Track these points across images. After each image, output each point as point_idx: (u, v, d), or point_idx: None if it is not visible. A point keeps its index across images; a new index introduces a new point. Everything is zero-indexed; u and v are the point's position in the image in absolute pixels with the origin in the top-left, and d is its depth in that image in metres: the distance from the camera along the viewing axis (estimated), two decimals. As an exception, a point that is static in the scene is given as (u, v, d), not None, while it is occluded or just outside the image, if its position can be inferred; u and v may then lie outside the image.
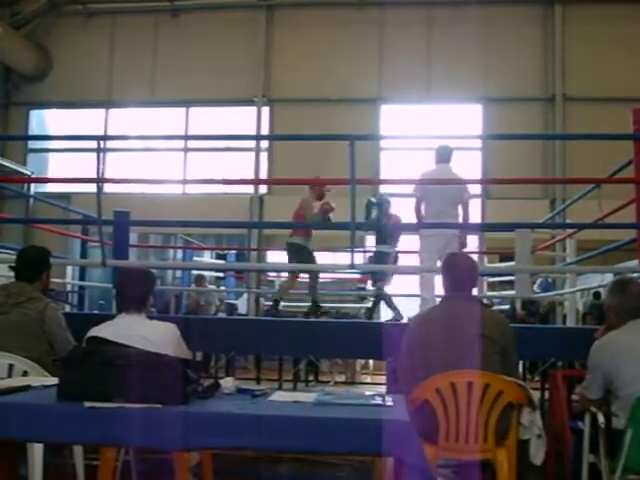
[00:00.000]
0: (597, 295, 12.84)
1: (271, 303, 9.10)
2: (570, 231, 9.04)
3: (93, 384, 2.70)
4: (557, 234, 9.74)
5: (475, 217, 14.57)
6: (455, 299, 4.08)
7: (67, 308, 11.27)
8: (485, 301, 12.21)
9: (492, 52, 15.42)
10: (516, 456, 3.71)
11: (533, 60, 15.86)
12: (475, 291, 4.32)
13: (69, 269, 12.87)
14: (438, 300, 5.47)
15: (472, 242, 13.82)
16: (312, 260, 8.49)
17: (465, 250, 7.58)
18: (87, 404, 2.63)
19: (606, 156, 7.61)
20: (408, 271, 8.77)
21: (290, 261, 8.58)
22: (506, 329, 4.04)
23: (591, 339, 4.00)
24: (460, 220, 7.36)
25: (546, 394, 6.10)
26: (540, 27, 15.95)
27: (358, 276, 14.28)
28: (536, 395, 4.86)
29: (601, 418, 3.71)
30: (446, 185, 7.32)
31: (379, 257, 9.03)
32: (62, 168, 17.11)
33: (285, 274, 13.79)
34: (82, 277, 11.19)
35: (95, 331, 3.70)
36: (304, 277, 9.08)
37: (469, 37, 15.28)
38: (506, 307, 12.81)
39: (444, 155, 7.72)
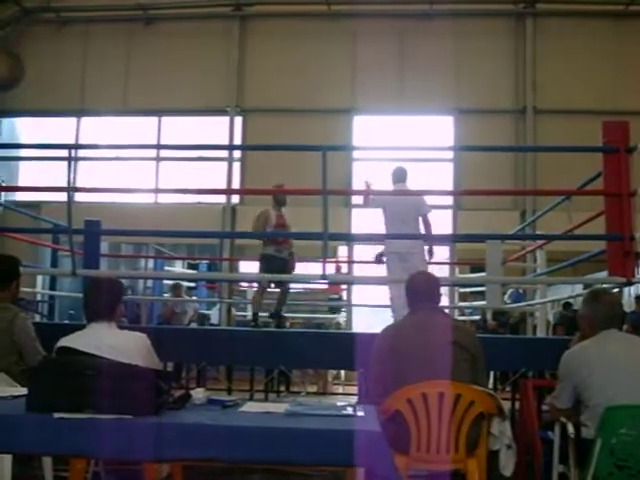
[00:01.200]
0: (566, 306, 12.95)
1: (251, 318, 9.02)
2: (540, 242, 9.12)
3: (63, 395, 2.68)
4: (527, 245, 9.82)
5: (445, 228, 14.69)
6: (422, 311, 4.13)
7: (37, 318, 11.18)
8: (456, 311, 12.28)
9: (464, 64, 15.53)
10: (486, 466, 3.73)
11: (504, 72, 15.98)
12: (440, 304, 4.39)
13: (39, 278, 12.77)
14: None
15: (442, 253, 13.96)
16: (285, 270, 8.45)
17: (433, 260, 7.76)
18: (57, 415, 2.61)
19: (576, 168, 7.68)
20: (374, 282, 8.77)
21: (260, 271, 8.58)
22: (474, 337, 4.13)
23: (561, 349, 4.03)
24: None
25: (517, 404, 6.13)
26: (512, 40, 16.08)
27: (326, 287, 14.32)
28: (507, 405, 4.89)
29: (570, 428, 3.73)
30: (403, 202, 7.63)
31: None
32: (33, 177, 16.97)
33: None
34: (52, 287, 11.09)
35: (65, 341, 3.67)
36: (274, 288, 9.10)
37: (441, 49, 15.39)
38: (477, 317, 12.88)
39: (400, 176, 8.10)
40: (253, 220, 8.57)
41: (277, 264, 8.35)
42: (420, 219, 7.74)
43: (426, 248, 7.71)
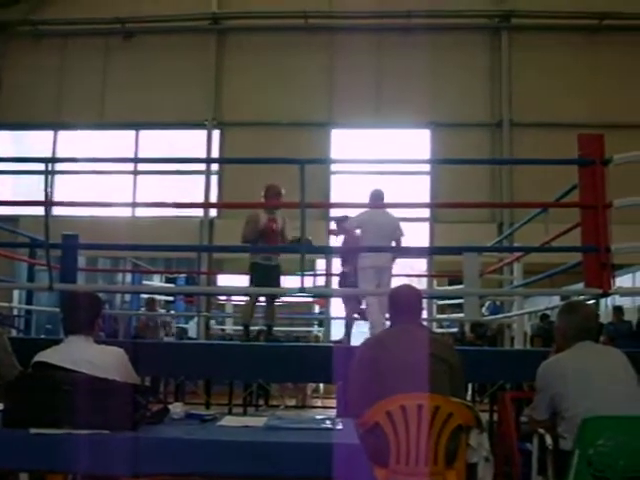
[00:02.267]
0: (544, 317, 13.02)
1: (240, 330, 8.85)
2: (517, 254, 9.16)
3: (39, 410, 2.66)
4: (505, 257, 9.86)
5: (422, 241, 14.75)
6: (402, 324, 4.15)
7: (14, 332, 11.08)
8: (434, 324, 12.31)
9: (440, 78, 15.63)
10: (465, 479, 3.73)
11: (480, 86, 16.10)
12: (422, 318, 4.40)
13: (15, 293, 12.67)
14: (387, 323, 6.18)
15: (420, 265, 14.01)
16: (275, 279, 8.22)
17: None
18: (33, 430, 2.59)
19: (552, 180, 7.73)
20: (347, 295, 8.80)
21: (250, 282, 8.25)
22: (452, 350, 4.16)
23: (539, 361, 4.05)
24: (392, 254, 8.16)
25: (495, 416, 6.15)
26: (487, 54, 16.22)
27: (310, 299, 14.32)
28: (485, 417, 4.90)
29: (549, 440, 3.75)
30: (381, 224, 8.00)
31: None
32: (9, 190, 16.86)
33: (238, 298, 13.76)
34: (29, 301, 10.99)
35: (41, 356, 3.64)
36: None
37: (418, 63, 15.48)
38: (455, 330, 12.91)
39: (378, 198, 8.35)
40: (243, 225, 8.31)
41: (266, 273, 8.06)
42: (393, 243, 8.20)
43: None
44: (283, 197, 8.24)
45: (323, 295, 10.32)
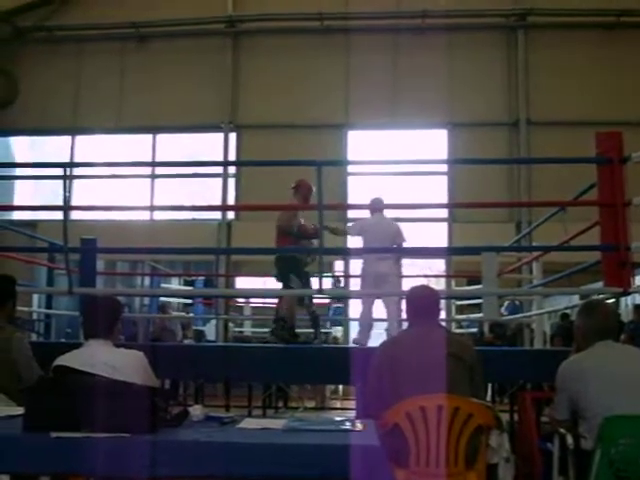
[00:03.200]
0: (564, 317, 12.94)
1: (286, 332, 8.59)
2: (536, 254, 9.13)
3: (60, 414, 2.67)
4: (523, 257, 9.82)
5: (440, 241, 14.73)
6: (421, 325, 4.14)
7: (34, 337, 11.13)
8: (453, 324, 12.28)
9: (457, 78, 15.59)
10: (486, 479, 3.72)
11: (497, 85, 16.04)
12: (440, 318, 4.39)
13: (35, 297, 12.75)
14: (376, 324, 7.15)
15: (438, 266, 13.98)
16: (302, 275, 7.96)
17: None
18: (54, 434, 2.60)
19: (570, 179, 7.70)
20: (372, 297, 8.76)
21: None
22: (472, 350, 4.13)
23: (559, 361, 4.03)
24: (394, 260, 8.04)
25: (515, 416, 6.12)
26: (504, 53, 16.16)
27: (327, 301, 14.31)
28: (505, 417, 4.88)
29: (570, 439, 3.73)
30: (381, 231, 8.02)
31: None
32: (28, 195, 16.96)
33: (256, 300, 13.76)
34: (49, 305, 11.06)
35: (62, 360, 3.66)
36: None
37: (434, 63, 15.45)
38: (474, 330, 12.87)
39: (379, 206, 8.26)
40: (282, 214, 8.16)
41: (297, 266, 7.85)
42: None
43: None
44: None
45: (341, 297, 10.32)
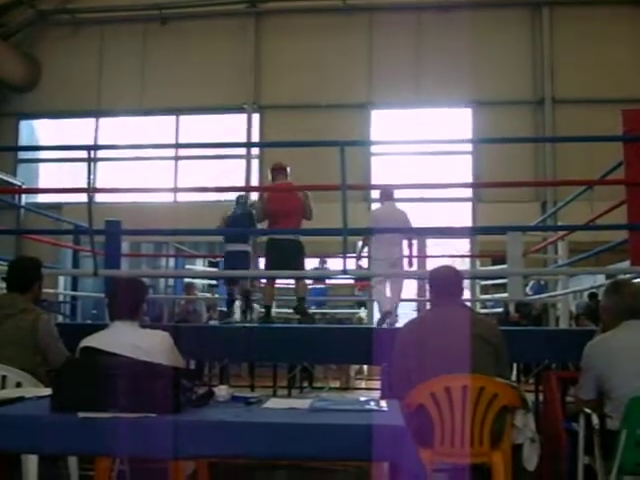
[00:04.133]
0: (592, 296, 12.82)
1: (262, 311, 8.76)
2: (562, 233, 9.07)
3: (87, 394, 2.69)
4: (549, 236, 9.76)
5: (465, 221, 14.69)
6: (445, 305, 4.12)
7: (60, 318, 11.23)
8: (478, 304, 12.25)
9: (481, 55, 15.46)
10: (511, 459, 3.71)
11: (522, 63, 15.90)
12: (462, 298, 4.37)
13: (61, 279, 12.83)
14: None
15: (463, 246, 13.93)
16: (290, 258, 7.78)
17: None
18: (81, 415, 2.62)
19: (596, 158, 7.63)
20: (395, 277, 8.80)
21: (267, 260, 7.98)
22: (496, 330, 4.12)
23: (585, 340, 4.01)
24: (405, 248, 8.50)
25: (540, 396, 6.11)
26: (528, 30, 16.00)
27: (351, 281, 14.30)
28: (530, 397, 4.87)
29: (595, 419, 3.71)
30: (392, 220, 8.26)
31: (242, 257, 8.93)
32: (53, 178, 17.07)
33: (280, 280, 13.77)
34: (74, 287, 11.13)
35: (88, 341, 3.69)
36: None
37: (458, 41, 15.31)
38: (499, 310, 12.82)
39: (388, 194, 8.64)
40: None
41: (283, 249, 7.69)
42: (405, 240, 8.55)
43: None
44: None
45: (365, 277, 10.29)
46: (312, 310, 10.63)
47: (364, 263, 9.23)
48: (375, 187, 15.95)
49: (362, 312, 14.72)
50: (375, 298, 8.67)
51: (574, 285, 11.24)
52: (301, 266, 7.94)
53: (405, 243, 8.58)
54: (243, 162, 16.27)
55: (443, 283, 4.22)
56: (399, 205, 8.76)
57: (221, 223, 8.72)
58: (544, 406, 5.55)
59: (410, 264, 8.68)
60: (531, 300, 11.86)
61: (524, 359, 6.88)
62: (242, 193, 9.34)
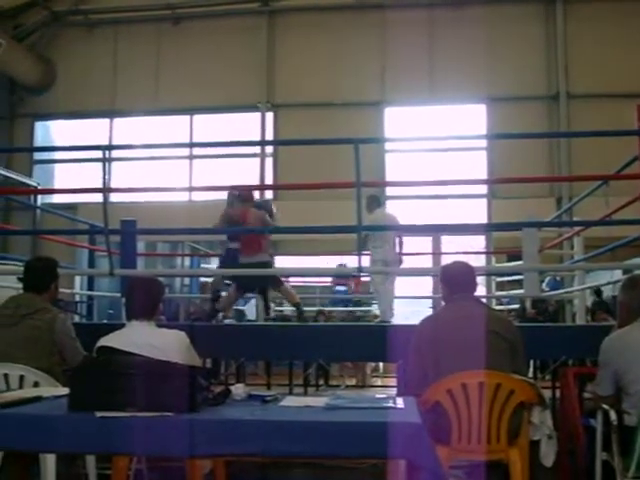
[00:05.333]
0: (597, 292, 12.73)
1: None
2: (577, 229, 9.03)
3: (104, 394, 2.70)
4: (564, 232, 9.73)
5: (480, 217, 14.65)
6: (460, 301, 4.10)
7: (76, 318, 11.27)
8: (494, 301, 12.22)
9: (495, 51, 15.39)
10: (528, 455, 3.70)
11: (536, 58, 15.84)
12: (477, 293, 4.35)
13: (77, 279, 12.88)
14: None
15: (478, 242, 13.90)
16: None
17: None
18: (99, 414, 2.63)
19: (612, 153, 7.59)
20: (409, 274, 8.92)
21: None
22: (513, 326, 4.11)
23: (602, 336, 3.99)
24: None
25: (557, 393, 6.08)
26: (542, 25, 15.93)
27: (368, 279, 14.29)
28: (547, 394, 4.85)
29: (613, 415, 3.70)
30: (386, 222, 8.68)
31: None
32: (68, 178, 17.14)
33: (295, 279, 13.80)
34: (90, 287, 11.17)
35: (105, 340, 3.71)
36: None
37: (471, 37, 15.27)
38: (516, 306, 12.78)
39: (378, 202, 8.98)
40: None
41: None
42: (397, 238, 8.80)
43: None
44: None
45: (381, 273, 10.28)
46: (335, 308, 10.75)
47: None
48: (389, 184, 15.96)
49: (376, 309, 14.72)
50: (380, 296, 8.87)
51: (591, 281, 11.19)
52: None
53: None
54: (257, 161, 16.26)
55: (456, 279, 4.19)
56: (389, 210, 9.33)
57: (220, 221, 8.51)
58: (561, 402, 5.53)
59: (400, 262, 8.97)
60: (547, 296, 11.82)
61: (541, 356, 6.87)
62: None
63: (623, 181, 6.84)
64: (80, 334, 4.39)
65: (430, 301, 11.65)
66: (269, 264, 7.90)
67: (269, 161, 16.36)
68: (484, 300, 8.13)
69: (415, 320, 4.33)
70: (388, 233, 8.47)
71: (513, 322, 4.28)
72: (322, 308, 12.70)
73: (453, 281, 4.19)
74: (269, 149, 16.33)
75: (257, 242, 7.67)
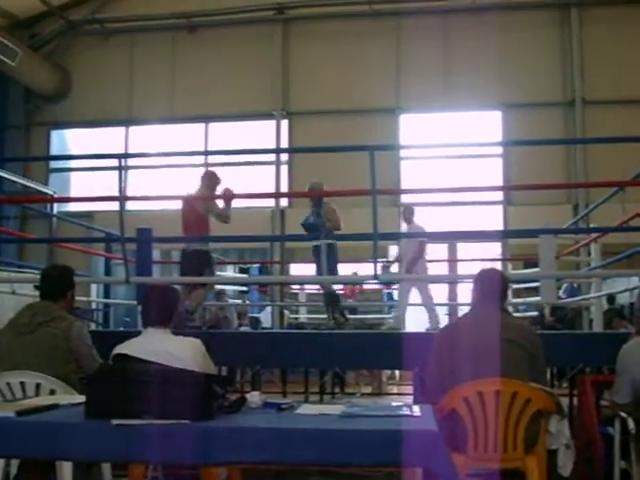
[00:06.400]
0: (609, 300, 12.65)
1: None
2: (594, 235, 9.00)
3: (120, 401, 2.71)
4: (581, 239, 9.69)
5: (496, 224, 14.62)
6: (481, 309, 4.08)
7: (92, 326, 11.32)
8: (510, 308, 12.18)
9: (510, 58, 15.36)
10: (546, 465, 3.68)
11: (551, 64, 15.79)
12: (504, 302, 4.31)
13: (93, 287, 12.93)
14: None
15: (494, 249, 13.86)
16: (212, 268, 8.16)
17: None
18: (115, 422, 2.64)
19: (628, 159, 7.56)
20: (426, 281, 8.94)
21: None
22: (532, 335, 4.06)
23: (619, 344, 3.97)
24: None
25: (575, 400, 6.05)
26: (557, 31, 15.88)
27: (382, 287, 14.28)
28: (565, 402, 4.82)
29: (631, 424, 3.67)
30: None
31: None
32: (84, 187, 17.21)
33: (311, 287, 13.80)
34: (107, 295, 11.23)
35: (121, 348, 3.71)
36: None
37: (486, 43, 15.23)
38: (534, 314, 12.73)
39: (410, 212, 9.57)
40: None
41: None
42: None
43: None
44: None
45: (396, 281, 10.29)
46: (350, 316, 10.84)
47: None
48: (405, 191, 15.95)
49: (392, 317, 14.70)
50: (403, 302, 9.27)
51: (608, 288, 11.13)
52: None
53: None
54: (272, 168, 16.27)
55: (485, 286, 4.16)
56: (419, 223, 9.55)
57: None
58: (579, 410, 5.50)
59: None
60: (564, 303, 11.77)
61: (558, 363, 6.83)
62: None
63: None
64: (96, 342, 4.41)
65: (446, 308, 11.63)
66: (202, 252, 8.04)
67: (284, 169, 16.38)
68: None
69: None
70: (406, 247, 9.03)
71: (533, 330, 4.23)
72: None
73: (482, 287, 4.16)
74: (284, 157, 16.35)
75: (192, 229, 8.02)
